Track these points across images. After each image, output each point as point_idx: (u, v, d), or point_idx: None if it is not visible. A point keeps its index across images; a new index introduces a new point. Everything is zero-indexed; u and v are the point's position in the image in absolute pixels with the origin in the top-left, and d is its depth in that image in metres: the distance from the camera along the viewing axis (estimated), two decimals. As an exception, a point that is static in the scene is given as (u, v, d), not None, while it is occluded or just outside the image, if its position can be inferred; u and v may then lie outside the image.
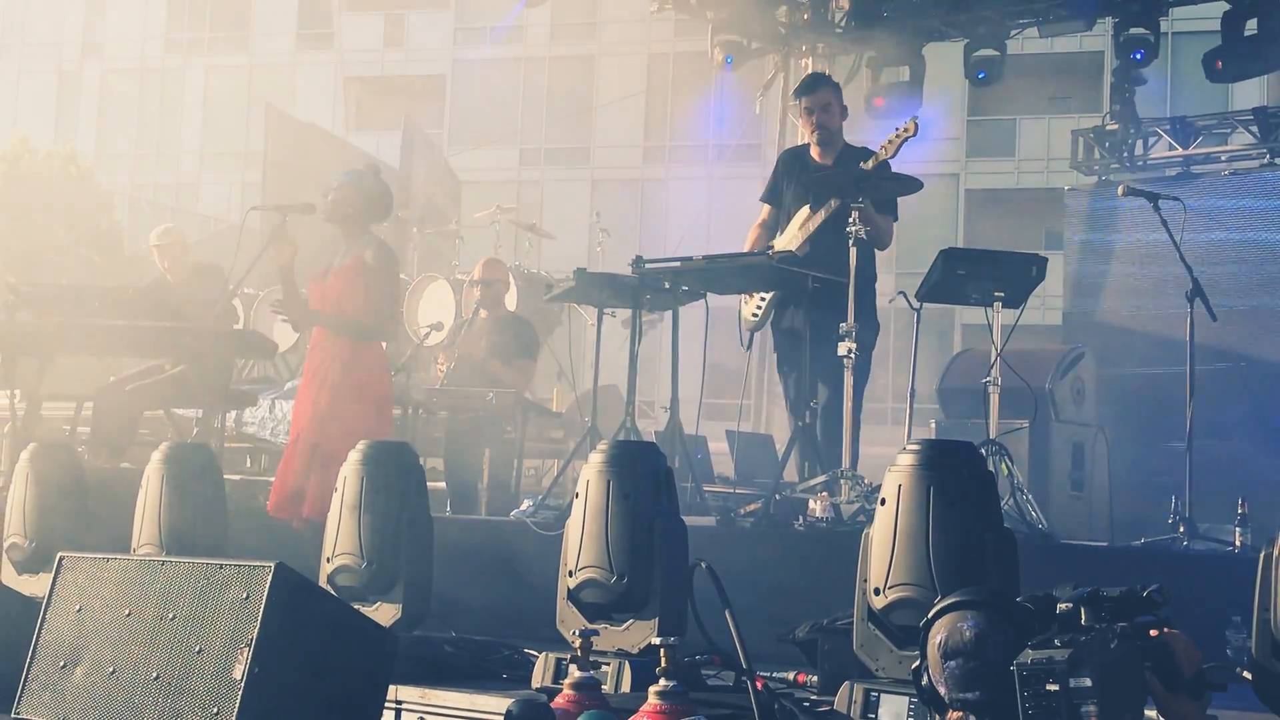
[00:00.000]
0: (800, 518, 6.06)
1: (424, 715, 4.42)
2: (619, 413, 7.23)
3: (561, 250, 17.62)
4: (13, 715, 3.92)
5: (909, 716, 3.66)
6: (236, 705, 3.50)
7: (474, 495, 8.70)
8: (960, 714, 3.18)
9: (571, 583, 4.45)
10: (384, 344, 6.92)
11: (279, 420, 11.49)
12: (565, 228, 19.72)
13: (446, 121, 33.70)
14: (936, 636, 3.22)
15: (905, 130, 6.50)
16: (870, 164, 6.52)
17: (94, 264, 22.48)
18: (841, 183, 6.35)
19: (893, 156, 6.54)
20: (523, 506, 7.67)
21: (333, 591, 4.74)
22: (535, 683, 4.51)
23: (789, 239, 6.83)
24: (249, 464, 11.51)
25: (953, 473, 3.73)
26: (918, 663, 3.30)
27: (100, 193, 26.19)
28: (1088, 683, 2.95)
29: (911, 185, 6.45)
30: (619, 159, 33.65)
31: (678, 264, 6.56)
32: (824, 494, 6.08)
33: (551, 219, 20.04)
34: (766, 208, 7.26)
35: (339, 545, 4.85)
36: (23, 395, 8.93)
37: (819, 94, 7.16)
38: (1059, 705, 2.95)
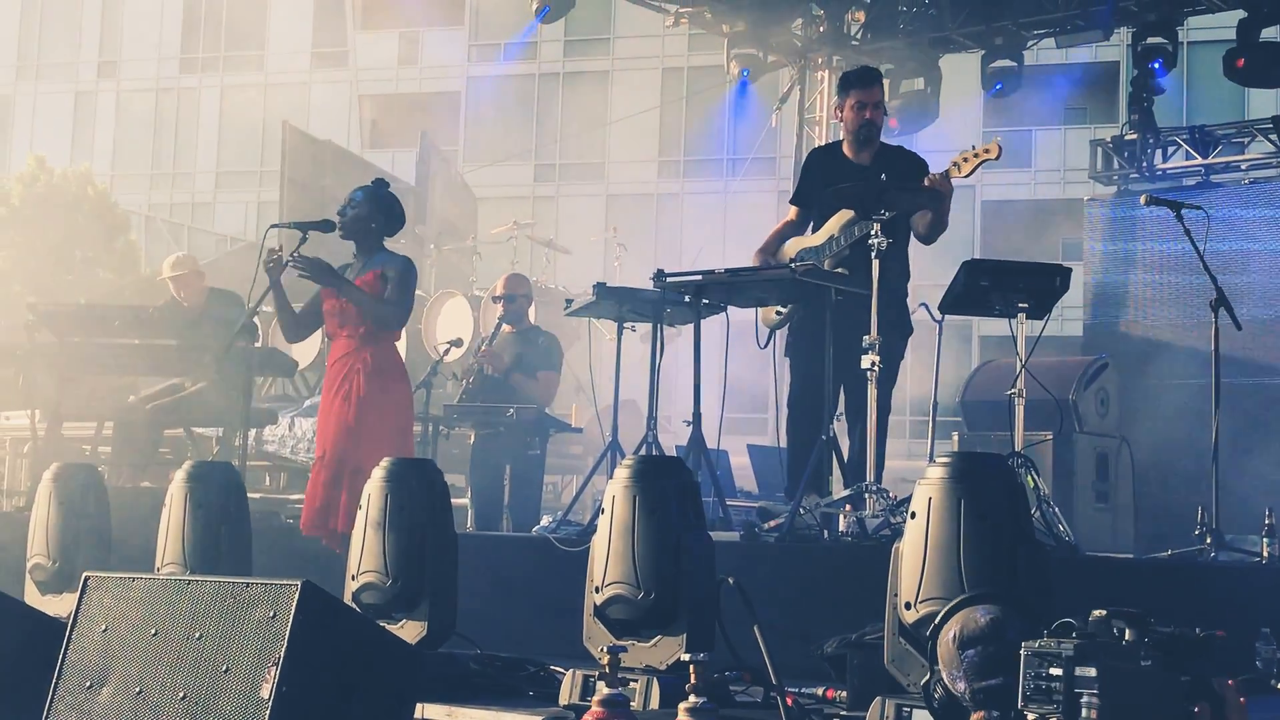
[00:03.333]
0: (825, 532, 6.03)
1: (451, 733, 4.39)
2: (639, 428, 7.20)
3: (578, 265, 17.64)
4: (39, 736, 3.91)
5: (941, 732, 3.61)
6: (264, 725, 3.48)
7: (497, 512, 8.69)
8: (983, 714, 3.12)
9: (598, 599, 4.42)
10: (402, 355, 6.89)
11: (299, 438, 11.49)
12: (580, 243, 19.69)
13: (461, 138, 33.76)
14: (949, 632, 3.16)
15: (986, 152, 6.33)
16: (935, 180, 6.40)
17: (110, 283, 22.54)
18: (890, 193, 6.20)
19: (966, 177, 6.46)
20: (544, 522, 7.65)
21: (357, 609, 4.72)
22: (563, 700, 4.48)
23: (823, 235, 6.73)
24: (269, 482, 11.50)
25: (984, 485, 3.69)
26: (927, 677, 3.23)
27: (117, 213, 26.26)
28: (1093, 673, 2.90)
29: (936, 196, 6.43)
30: (634, 174, 33.67)
31: (699, 277, 6.52)
32: (848, 508, 6.06)
33: (567, 235, 20.03)
34: (794, 209, 7.04)
35: (363, 563, 4.83)
36: (43, 415, 8.94)
37: (874, 90, 6.76)
38: (1059, 689, 2.90)
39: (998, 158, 6.38)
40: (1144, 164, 12.08)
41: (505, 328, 9.29)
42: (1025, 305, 6.27)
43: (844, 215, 6.59)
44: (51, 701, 3.94)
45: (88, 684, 3.88)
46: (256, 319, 6.75)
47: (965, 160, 6.38)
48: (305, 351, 12.00)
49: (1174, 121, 14.67)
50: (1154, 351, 10.41)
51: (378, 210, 6.75)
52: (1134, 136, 12.13)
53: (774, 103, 15.12)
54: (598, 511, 6.65)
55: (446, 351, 9.46)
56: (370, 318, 6.58)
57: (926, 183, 6.42)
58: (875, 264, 6.04)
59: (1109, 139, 12.55)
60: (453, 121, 33.80)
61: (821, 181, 6.71)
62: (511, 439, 8.67)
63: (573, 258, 16.53)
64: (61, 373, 8.93)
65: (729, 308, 6.85)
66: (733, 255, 9.29)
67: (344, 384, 6.58)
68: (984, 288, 6.27)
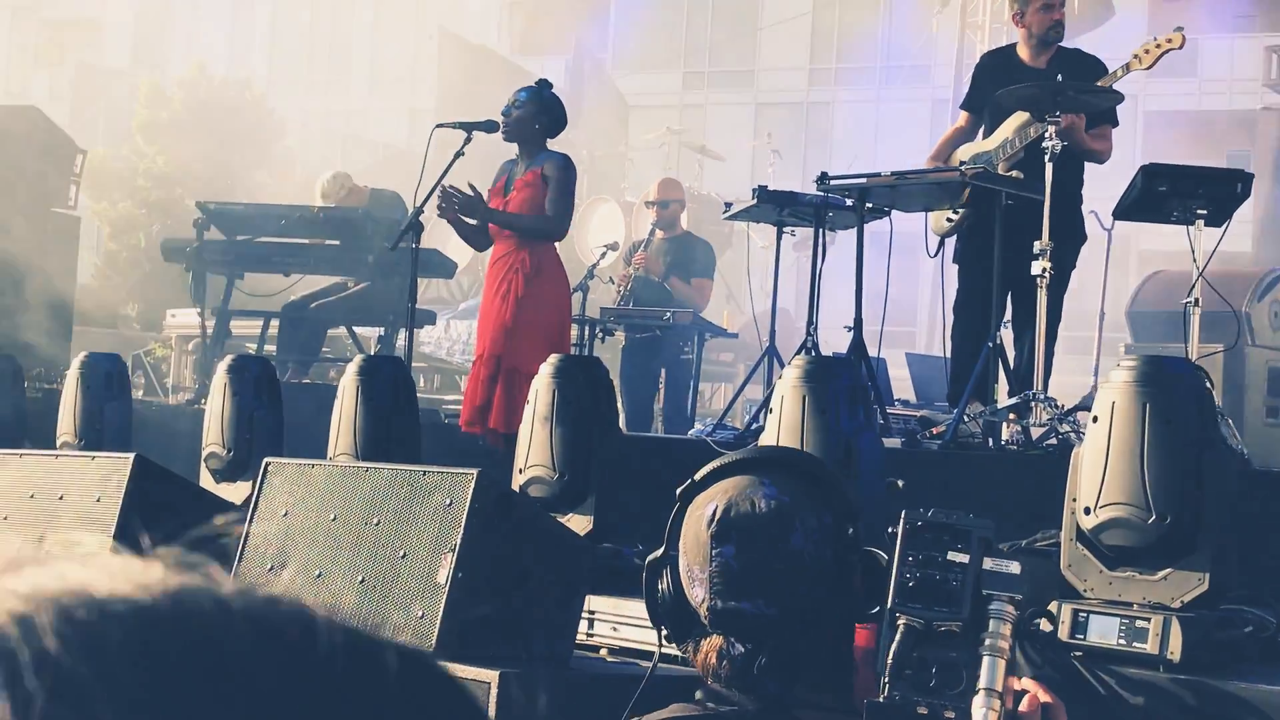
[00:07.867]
0: (989, 440, 5.95)
1: (617, 625, 4.44)
2: (793, 336, 7.16)
3: (728, 172, 17.55)
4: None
5: (1119, 638, 3.56)
6: (441, 609, 3.54)
7: (647, 415, 8.73)
8: (721, 641, 2.03)
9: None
10: (560, 256, 6.93)
11: (455, 340, 11.67)
12: (730, 151, 19.51)
13: (611, 44, 33.59)
14: (707, 507, 2.05)
15: (1170, 41, 6.15)
16: (1116, 76, 6.20)
17: (268, 188, 22.96)
18: (1066, 94, 6.00)
19: (1148, 69, 6.26)
20: (698, 427, 7.67)
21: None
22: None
23: (997, 139, 6.57)
24: (424, 383, 11.72)
25: (1170, 390, 3.59)
26: (659, 551, 2.13)
27: (274, 119, 26.69)
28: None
29: (1115, 98, 6.22)
30: (784, 82, 33.21)
31: (864, 180, 6.42)
32: (1013, 416, 5.95)
33: (716, 142, 19.86)
34: (965, 115, 6.90)
35: (531, 457, 4.89)
36: (211, 312, 9.18)
37: None
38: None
39: (1181, 46, 6.16)
40: (1324, 70, 11.59)
41: (658, 233, 9.29)
42: (1204, 212, 6.05)
43: (1019, 118, 6.41)
44: (234, 582, 4.05)
45: (269, 566, 3.98)
46: (422, 219, 6.80)
47: (1146, 52, 6.17)
48: (463, 254, 12.14)
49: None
50: (1331, 264, 10.04)
51: (542, 110, 6.76)
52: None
53: (935, 6, 14.78)
54: (756, 413, 6.64)
55: (603, 255, 9.49)
56: (531, 236, 6.63)
57: (1102, 84, 6.21)
58: (1049, 168, 5.88)
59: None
60: (602, 28, 33.62)
61: (994, 85, 6.51)
62: (667, 343, 8.69)
63: (723, 165, 16.43)
64: (228, 271, 9.16)
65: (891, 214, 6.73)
66: (884, 166, 9.14)
67: (502, 284, 6.64)
68: (1162, 193, 6.06)
